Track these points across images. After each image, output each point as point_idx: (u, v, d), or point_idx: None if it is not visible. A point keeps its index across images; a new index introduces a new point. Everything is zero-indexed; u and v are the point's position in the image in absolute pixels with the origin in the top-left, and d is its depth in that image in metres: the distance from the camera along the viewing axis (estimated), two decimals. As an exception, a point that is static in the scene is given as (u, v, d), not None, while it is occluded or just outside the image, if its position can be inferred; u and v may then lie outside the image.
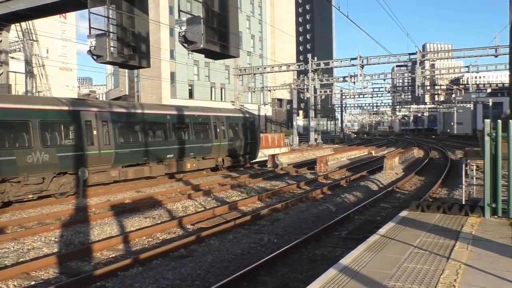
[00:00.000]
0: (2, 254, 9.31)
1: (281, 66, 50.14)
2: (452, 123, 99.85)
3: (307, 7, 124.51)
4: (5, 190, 14.54)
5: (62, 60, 48.97)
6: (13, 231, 11.50)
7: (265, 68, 52.59)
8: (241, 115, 27.92)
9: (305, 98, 58.28)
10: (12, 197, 14.73)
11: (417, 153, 34.92)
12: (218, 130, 24.58)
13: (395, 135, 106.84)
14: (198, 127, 23.52)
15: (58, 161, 15.97)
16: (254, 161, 29.31)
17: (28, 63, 35.07)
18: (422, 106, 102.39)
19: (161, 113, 21.68)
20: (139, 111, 20.51)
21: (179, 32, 12.24)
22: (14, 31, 35.51)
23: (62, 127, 16.73)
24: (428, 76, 66.49)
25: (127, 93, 63.58)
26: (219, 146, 24.55)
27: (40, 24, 35.98)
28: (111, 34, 13.53)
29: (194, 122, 23.27)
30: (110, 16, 13.41)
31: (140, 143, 19.83)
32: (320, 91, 61.11)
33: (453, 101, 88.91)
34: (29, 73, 35.14)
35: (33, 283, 7.77)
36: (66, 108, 16.76)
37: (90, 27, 13.02)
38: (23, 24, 32.98)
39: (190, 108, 24.52)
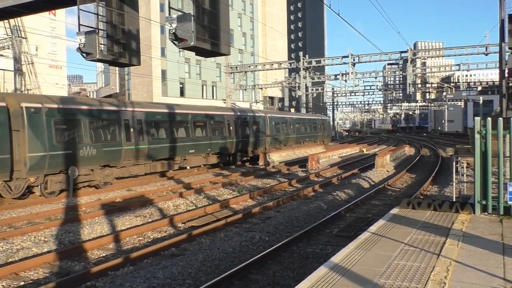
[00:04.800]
0: (-10, 254, 9.19)
1: (272, 64, 50.08)
2: (443, 121, 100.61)
3: (299, 5, 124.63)
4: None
5: (52, 58, 48.40)
6: (1, 231, 11.35)
7: (256, 66, 52.48)
8: (324, 118, 48.33)
9: (297, 96, 58.30)
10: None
11: (408, 150, 35.10)
12: (319, 126, 43.73)
13: (386, 133, 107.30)
14: (312, 125, 42.26)
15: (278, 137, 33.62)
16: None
17: (16, 60, 34.71)
18: (413, 104, 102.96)
19: (301, 117, 41.02)
20: (299, 117, 40.47)
21: (170, 30, 12.13)
22: (2, 28, 35.09)
23: (292, 124, 36.40)
24: (419, 74, 66.88)
25: (118, 91, 63.17)
26: (319, 135, 43.51)
27: (29, 21, 35.59)
28: (101, 31, 13.39)
29: (309, 122, 41.82)
30: (100, 13, 13.27)
31: (295, 133, 36.95)
32: (312, 89, 61.06)
33: (444, 99, 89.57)
34: (18, 71, 34.78)
35: (22, 283, 7.68)
36: (288, 115, 37.66)
37: (79, 24, 12.85)
38: (11, 21, 32.60)
39: (305, 114, 46.29)
